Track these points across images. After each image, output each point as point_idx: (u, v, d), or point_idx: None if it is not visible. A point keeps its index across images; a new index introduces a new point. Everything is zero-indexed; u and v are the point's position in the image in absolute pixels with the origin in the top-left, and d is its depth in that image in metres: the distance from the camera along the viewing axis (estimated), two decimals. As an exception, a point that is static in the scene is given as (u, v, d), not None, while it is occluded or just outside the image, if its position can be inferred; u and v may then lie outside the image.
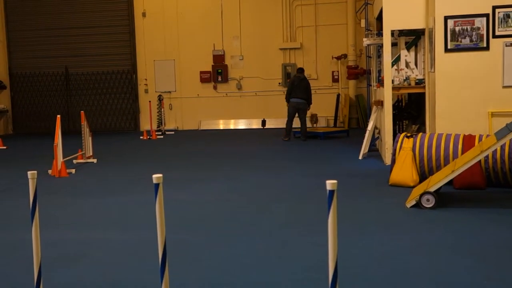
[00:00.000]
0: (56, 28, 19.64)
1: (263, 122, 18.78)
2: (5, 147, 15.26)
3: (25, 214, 7.20)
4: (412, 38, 10.84)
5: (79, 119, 12.29)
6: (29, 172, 3.44)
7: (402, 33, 10.70)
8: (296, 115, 14.76)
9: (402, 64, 10.74)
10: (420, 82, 10.33)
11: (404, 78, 10.53)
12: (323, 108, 18.74)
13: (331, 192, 2.81)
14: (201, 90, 19.44)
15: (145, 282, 4.64)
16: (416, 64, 10.80)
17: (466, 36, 9.26)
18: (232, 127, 19.25)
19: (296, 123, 14.86)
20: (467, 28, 9.25)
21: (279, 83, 18.96)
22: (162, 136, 17.21)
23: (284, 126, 15.30)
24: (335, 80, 18.81)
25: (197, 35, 19.14)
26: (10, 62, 20.11)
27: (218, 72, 19.20)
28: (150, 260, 5.08)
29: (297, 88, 14.52)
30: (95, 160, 11.89)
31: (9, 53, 20.09)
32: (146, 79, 19.63)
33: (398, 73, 10.66)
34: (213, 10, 19.04)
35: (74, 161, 11.64)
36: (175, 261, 4.89)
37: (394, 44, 10.84)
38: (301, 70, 15.14)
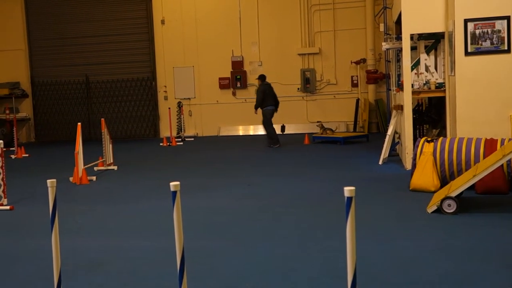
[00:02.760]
0: (77, 36, 19.86)
1: (282, 128, 18.73)
2: (27, 155, 15.44)
3: (46, 221, 7.27)
4: (432, 41, 10.76)
5: (100, 127, 12.39)
6: (48, 181, 3.48)
7: (422, 36, 10.63)
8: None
9: (421, 68, 10.66)
10: (440, 86, 10.24)
11: (424, 82, 10.44)
12: (342, 113, 18.67)
13: (349, 198, 2.79)
14: (220, 96, 19.49)
15: (165, 289, 4.65)
16: (436, 68, 10.71)
17: (487, 39, 9.16)
18: (251, 133, 19.25)
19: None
20: (487, 31, 9.15)
21: (298, 89, 18.93)
22: (181, 143, 17.27)
23: (276, 132, 15.28)
24: (354, 85, 18.72)
25: (216, 42, 19.20)
26: (32, 71, 20.37)
27: (237, 78, 19.23)
28: (170, 268, 5.08)
29: (269, 96, 14.95)
30: (115, 167, 11.98)
31: (31, 62, 20.35)
32: (165, 86, 19.74)
33: (418, 77, 10.58)
34: (231, 16, 19.10)
35: (95, 168, 11.74)
36: (195, 268, 4.89)
37: (413, 48, 10.76)
38: (264, 77, 15.38)
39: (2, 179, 8.39)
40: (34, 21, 20.16)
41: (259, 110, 15.17)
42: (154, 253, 5.71)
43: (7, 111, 18.80)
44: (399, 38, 11.35)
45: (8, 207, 8.26)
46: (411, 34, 10.28)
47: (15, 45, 20.12)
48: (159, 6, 19.44)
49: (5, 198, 8.46)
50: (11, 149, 15.73)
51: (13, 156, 15.06)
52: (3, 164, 8.45)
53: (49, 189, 3.44)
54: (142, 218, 7.40)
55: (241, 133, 19.28)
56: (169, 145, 16.65)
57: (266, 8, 18.94)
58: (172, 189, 3.10)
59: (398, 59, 12.34)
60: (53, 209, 3.46)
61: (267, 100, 14.94)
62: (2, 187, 8.40)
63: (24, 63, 20.30)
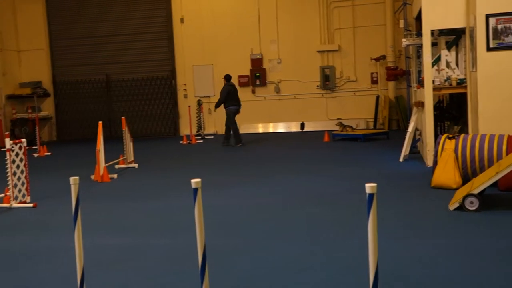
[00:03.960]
0: (97, 36, 20.03)
1: (302, 125, 18.72)
2: (49, 153, 15.62)
3: (68, 219, 7.35)
4: (453, 37, 10.64)
5: (120, 125, 12.49)
6: (71, 178, 3.51)
7: (442, 32, 10.52)
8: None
9: (442, 64, 10.56)
10: (461, 82, 10.13)
11: (445, 78, 10.34)
12: (362, 110, 18.59)
13: (371, 195, 2.77)
14: (240, 94, 19.38)
15: (186, 286, 4.67)
16: (457, 64, 10.60)
17: (509, 34, 9.04)
18: (271, 130, 19.26)
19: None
20: (509, 26, 9.03)
21: (317, 86, 18.88)
22: (201, 141, 17.33)
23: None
24: (374, 81, 18.62)
25: (235, 40, 19.23)
26: (53, 70, 20.61)
27: (256, 76, 19.25)
28: (190, 265, 5.11)
29: (233, 96, 15.24)
30: (136, 165, 12.06)
31: (52, 62, 20.58)
32: (185, 84, 19.83)
33: (439, 73, 10.48)
34: (250, 14, 19.11)
35: (116, 166, 11.83)
36: (214, 265, 4.91)
37: (434, 44, 10.66)
38: (229, 78, 15.57)
39: (25, 177, 8.50)
40: (55, 22, 20.38)
41: (222, 110, 15.47)
42: (175, 250, 5.74)
43: (30, 110, 19.04)
44: (419, 34, 11.25)
45: (31, 205, 8.37)
46: (431, 30, 10.18)
47: (37, 45, 20.37)
48: (178, 5, 19.53)
49: (28, 195, 8.57)
50: (33, 147, 15.93)
51: (35, 155, 15.25)
52: (26, 163, 8.56)
53: (72, 186, 3.47)
54: (162, 216, 7.44)
55: (260, 130, 19.29)
56: (189, 143, 16.72)
57: (285, 5, 18.91)
58: (193, 186, 3.11)
59: (419, 56, 12.25)
60: (76, 206, 3.50)
61: (230, 100, 15.22)
62: (25, 185, 8.51)
63: (46, 62, 20.53)
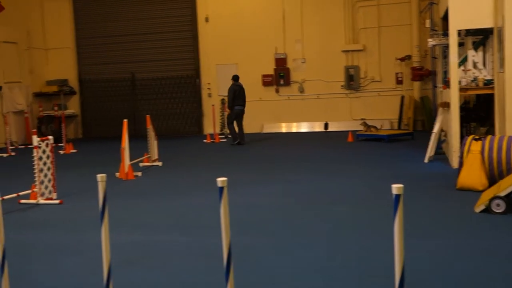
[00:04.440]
0: (123, 34, 20.21)
1: (326, 125, 18.65)
2: (75, 151, 15.81)
3: (93, 215, 7.43)
4: (480, 37, 10.51)
5: (145, 123, 12.58)
6: (98, 175, 3.55)
7: (469, 32, 10.40)
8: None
9: (469, 65, 10.43)
10: (488, 83, 10.00)
11: (472, 79, 10.22)
12: (386, 111, 18.45)
13: (397, 196, 2.76)
14: (263, 93, 19.52)
15: (209, 284, 4.69)
16: (484, 64, 10.47)
17: (538, 35, 8.89)
18: (294, 130, 19.23)
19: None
20: (539, 26, 8.88)
21: (342, 86, 18.80)
22: (225, 139, 17.38)
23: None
24: (399, 82, 18.47)
25: (259, 39, 19.23)
26: (79, 68, 20.84)
27: (280, 76, 19.24)
28: (213, 262, 5.14)
29: (239, 96, 15.42)
30: (160, 163, 12.14)
31: (79, 60, 20.81)
32: (209, 83, 19.90)
33: (465, 73, 10.36)
34: (275, 13, 19.09)
35: (140, 164, 11.93)
36: (238, 263, 4.92)
37: (460, 44, 10.54)
38: (237, 78, 15.69)
39: (52, 174, 8.63)
40: (82, 20, 20.61)
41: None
42: (198, 248, 5.78)
43: (56, 108, 19.30)
44: (446, 34, 11.14)
45: (57, 201, 8.48)
46: (458, 30, 10.07)
47: (64, 44, 20.62)
48: (203, 4, 19.60)
49: (54, 192, 8.69)
50: (59, 145, 16.13)
51: (61, 152, 15.44)
52: (53, 160, 8.68)
53: (99, 183, 3.51)
54: (187, 214, 7.49)
55: (284, 130, 19.28)
56: (212, 141, 16.78)
57: (310, 5, 18.86)
58: (219, 184, 3.13)
59: (445, 56, 12.12)
60: (103, 203, 3.54)
61: (236, 100, 15.39)
62: (51, 182, 8.63)
63: (72, 61, 20.77)
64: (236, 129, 15.67)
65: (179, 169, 11.61)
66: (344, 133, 16.54)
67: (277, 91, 19.40)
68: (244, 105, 15.62)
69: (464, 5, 9.82)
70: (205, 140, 17.17)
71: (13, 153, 15.59)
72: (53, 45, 20.69)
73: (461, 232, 6.00)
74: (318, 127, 18.94)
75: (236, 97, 15.39)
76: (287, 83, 19.25)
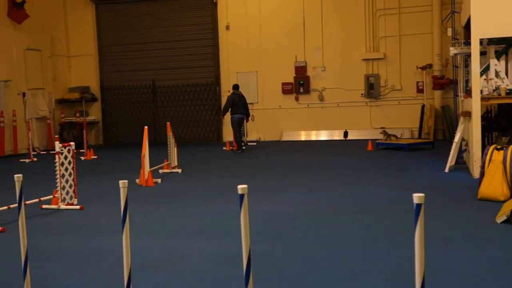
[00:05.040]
0: (144, 42, 20.41)
1: (345, 134, 18.60)
2: (96, 157, 15.96)
3: (113, 221, 7.49)
4: (503, 46, 10.42)
5: (165, 130, 12.67)
6: (120, 181, 3.59)
7: (492, 41, 10.32)
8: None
9: (491, 74, 10.35)
10: (510, 92, 9.90)
11: (494, 88, 10.13)
12: (407, 120, 18.36)
13: (418, 205, 2.75)
14: (283, 101, 19.54)
15: (229, 291, 4.70)
16: (506, 74, 10.37)
17: (562, 44, 8.79)
18: (313, 138, 19.20)
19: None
20: (562, 35, 8.78)
21: (362, 94, 18.75)
22: (244, 147, 17.40)
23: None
24: (419, 90, 18.38)
25: (279, 47, 19.28)
26: (101, 75, 21.07)
27: (300, 84, 19.25)
28: (233, 269, 5.15)
29: (237, 104, 15.78)
30: (180, 170, 12.21)
31: (100, 67, 21.05)
32: (229, 91, 19.89)
33: (487, 83, 10.27)
34: (295, 22, 19.13)
35: (160, 171, 12.00)
36: (256, 271, 4.93)
37: (482, 53, 10.46)
38: (237, 87, 16.10)
39: (73, 180, 8.72)
40: (104, 28, 20.86)
41: (228, 117, 16.08)
42: (217, 255, 5.79)
43: (78, 114, 19.52)
44: (467, 43, 11.06)
45: (78, 207, 8.57)
46: (480, 39, 10.00)
47: (86, 51, 20.88)
48: (224, 12, 19.72)
49: (75, 198, 8.78)
50: (80, 151, 16.29)
51: (82, 158, 15.60)
52: (74, 165, 8.77)
53: (121, 189, 3.55)
54: (206, 221, 7.51)
55: (303, 138, 19.26)
56: (231, 149, 16.82)
57: (330, 13, 18.87)
58: (239, 192, 3.14)
59: (467, 65, 12.03)
60: (125, 209, 3.58)
61: (234, 109, 15.70)
62: (73, 187, 8.72)
63: (94, 68, 21.01)
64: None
65: (199, 176, 11.66)
66: (364, 142, 16.48)
67: (296, 99, 19.41)
68: (244, 113, 15.93)
69: (486, 14, 9.75)
70: (224, 148, 17.23)
71: (35, 159, 15.78)
72: (75, 53, 20.96)
73: (483, 242, 5.93)
74: (337, 136, 18.90)
75: (235, 105, 15.75)
76: (307, 91, 19.25)
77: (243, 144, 16.55)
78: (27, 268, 4.00)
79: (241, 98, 15.97)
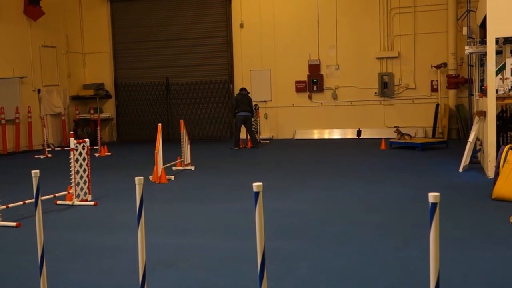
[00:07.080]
0: (158, 40, 20.48)
1: (359, 132, 18.55)
2: (109, 154, 16.05)
3: (126, 217, 7.55)
4: (519, 45, 10.34)
5: (179, 127, 12.71)
6: (136, 178, 3.62)
7: (508, 40, 10.24)
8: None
9: (507, 73, 10.26)
10: (527, 92, 9.82)
11: (510, 87, 10.05)
12: (421, 119, 18.27)
13: (434, 205, 2.74)
14: (296, 99, 19.52)
15: (242, 289, 4.72)
16: (522, 73, 10.28)
17: None
18: (326, 136, 19.17)
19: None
20: None
21: (375, 93, 18.68)
22: (258, 145, 17.40)
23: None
24: (434, 89, 18.27)
25: (293, 45, 19.26)
26: (115, 72, 21.16)
27: (313, 82, 19.21)
28: (246, 267, 5.16)
29: (242, 103, 16.42)
30: (193, 167, 12.24)
31: (115, 64, 21.14)
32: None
33: (503, 82, 10.19)
34: (309, 20, 19.09)
35: (173, 168, 12.05)
36: (270, 268, 4.94)
37: (498, 52, 10.38)
38: (243, 89, 16.83)
39: (87, 176, 8.78)
40: (119, 25, 20.95)
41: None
42: (231, 252, 5.81)
43: (92, 111, 19.63)
44: (483, 42, 11.00)
45: (92, 203, 8.63)
46: (496, 38, 9.92)
47: (101, 48, 20.99)
48: (238, 10, 19.72)
49: (89, 194, 8.85)
50: (94, 147, 16.40)
51: (96, 154, 15.69)
52: (89, 162, 8.83)
53: (137, 186, 3.58)
54: (219, 218, 7.53)
55: (316, 136, 19.23)
56: (244, 147, 16.84)
57: (344, 11, 18.81)
58: (254, 189, 3.15)
59: (482, 64, 11.95)
60: (140, 206, 3.60)
61: (240, 107, 16.39)
62: (87, 184, 8.79)
63: (109, 65, 21.12)
64: (247, 135, 16.55)
65: (212, 173, 11.69)
66: (377, 141, 16.42)
67: (310, 97, 19.38)
68: (248, 111, 16.46)
69: (502, 13, 9.67)
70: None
71: (49, 155, 15.90)
72: (90, 50, 21.08)
73: (497, 243, 5.90)
74: (350, 134, 18.85)
75: (239, 104, 16.36)
76: (320, 89, 19.21)
77: (258, 141, 16.61)
78: (43, 263, 4.04)
79: (245, 96, 16.47)
